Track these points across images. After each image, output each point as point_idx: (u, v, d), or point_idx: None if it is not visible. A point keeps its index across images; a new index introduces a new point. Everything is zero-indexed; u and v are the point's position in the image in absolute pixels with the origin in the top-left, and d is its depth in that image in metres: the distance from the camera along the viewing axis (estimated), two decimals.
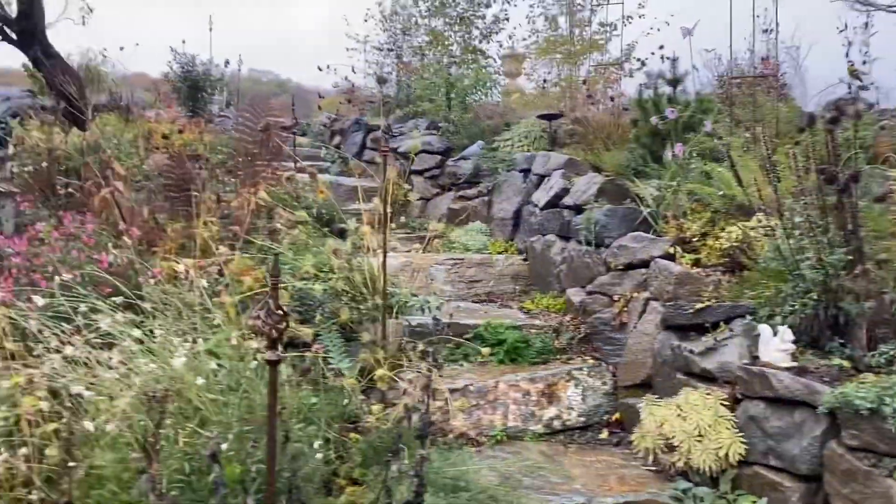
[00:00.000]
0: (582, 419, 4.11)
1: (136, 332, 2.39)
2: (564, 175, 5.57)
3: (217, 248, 3.86)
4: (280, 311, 1.83)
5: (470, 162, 7.03)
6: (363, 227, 4.45)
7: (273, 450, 1.81)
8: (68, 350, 2.24)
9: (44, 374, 2.16)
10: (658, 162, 5.28)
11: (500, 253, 6.15)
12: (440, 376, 3.79)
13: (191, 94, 9.60)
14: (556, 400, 4.10)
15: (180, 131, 7.39)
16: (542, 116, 6.79)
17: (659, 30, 10.07)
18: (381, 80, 9.43)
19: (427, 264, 5.66)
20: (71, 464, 1.89)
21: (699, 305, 3.73)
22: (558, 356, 4.47)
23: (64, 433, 2.20)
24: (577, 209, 5.15)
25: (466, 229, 6.76)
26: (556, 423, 4.07)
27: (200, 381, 2.34)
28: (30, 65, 10.19)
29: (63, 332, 2.30)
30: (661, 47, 6.30)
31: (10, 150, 7.49)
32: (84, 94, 9.31)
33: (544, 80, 10.66)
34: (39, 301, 2.30)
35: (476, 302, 5.46)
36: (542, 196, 5.76)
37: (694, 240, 4.34)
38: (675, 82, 5.86)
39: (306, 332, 3.52)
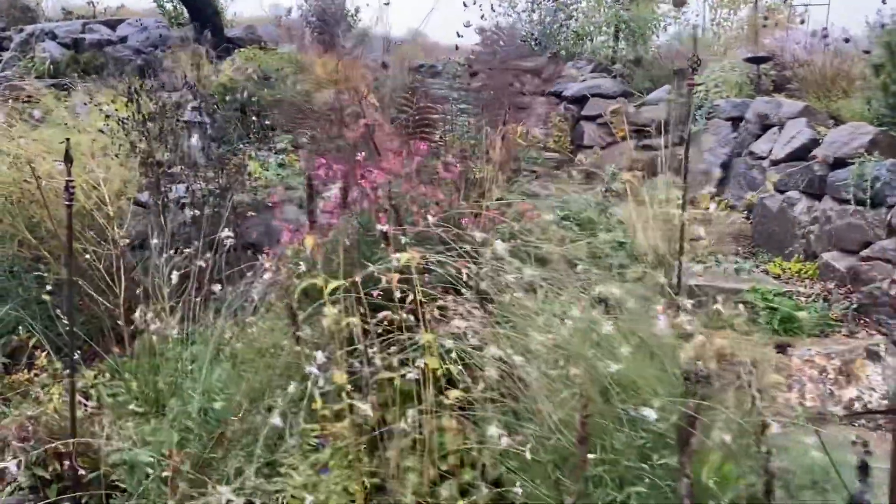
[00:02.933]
0: (884, 402, 3.63)
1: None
2: (809, 124, 4.96)
3: (490, 189, 3.44)
4: None
5: (660, 108, 6.42)
6: (624, 174, 3.99)
7: None
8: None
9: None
10: None
11: (705, 209, 5.60)
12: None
13: (325, 29, 9.12)
14: (854, 379, 3.62)
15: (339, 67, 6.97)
16: (749, 59, 6.13)
17: None
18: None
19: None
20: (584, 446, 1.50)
21: None
22: (836, 328, 3.98)
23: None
24: (835, 163, 4.56)
25: (654, 182, 6.22)
26: (857, 405, 3.60)
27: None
28: None
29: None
30: None
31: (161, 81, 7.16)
32: (222, 27, 8.96)
33: (694, 25, 9.86)
34: (500, 246, 1.90)
35: (700, 263, 4.94)
36: (772, 147, 5.17)
37: None
38: None
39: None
